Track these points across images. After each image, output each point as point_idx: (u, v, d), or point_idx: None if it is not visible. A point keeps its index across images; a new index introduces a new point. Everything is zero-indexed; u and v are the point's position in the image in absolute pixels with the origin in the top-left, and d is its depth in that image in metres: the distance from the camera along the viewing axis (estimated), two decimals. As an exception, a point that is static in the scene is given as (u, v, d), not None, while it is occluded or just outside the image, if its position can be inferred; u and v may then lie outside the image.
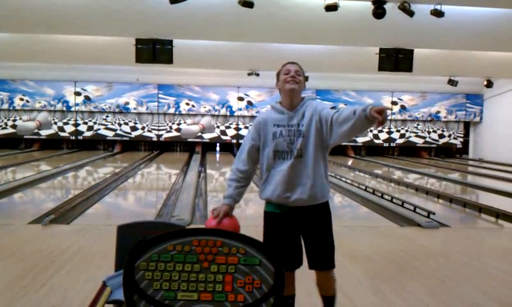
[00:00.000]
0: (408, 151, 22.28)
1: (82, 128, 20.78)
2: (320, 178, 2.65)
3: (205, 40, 12.62)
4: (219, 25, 10.83)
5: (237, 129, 21.24)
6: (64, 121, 20.73)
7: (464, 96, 21.65)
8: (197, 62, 15.49)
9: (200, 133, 21.15)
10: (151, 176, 13.75)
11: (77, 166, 14.13)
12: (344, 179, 11.89)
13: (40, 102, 20.38)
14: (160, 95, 20.73)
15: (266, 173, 2.74)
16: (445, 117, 21.96)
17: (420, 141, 22.16)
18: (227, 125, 21.27)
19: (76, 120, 20.74)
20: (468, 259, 5.02)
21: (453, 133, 22.26)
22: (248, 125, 21.18)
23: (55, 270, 4.14)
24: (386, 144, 22.01)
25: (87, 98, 20.52)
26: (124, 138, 21.06)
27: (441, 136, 22.21)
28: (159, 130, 21.05)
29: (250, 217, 8.11)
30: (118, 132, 20.91)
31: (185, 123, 21.12)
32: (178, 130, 21.11)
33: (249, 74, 16.57)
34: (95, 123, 20.79)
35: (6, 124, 20.50)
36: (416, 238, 5.91)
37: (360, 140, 21.61)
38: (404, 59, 11.96)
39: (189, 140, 21.25)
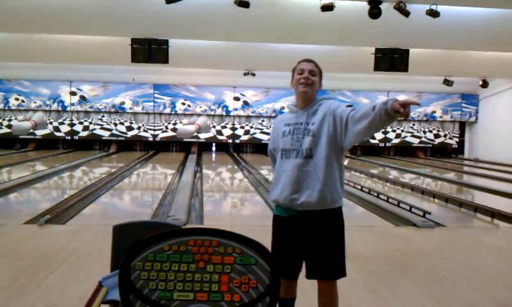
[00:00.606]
0: (404, 151, 22.34)
1: (78, 128, 20.71)
2: (333, 182, 2.53)
3: (201, 40, 12.63)
4: (215, 25, 10.83)
5: (233, 129, 21.23)
6: (60, 121, 20.66)
7: (459, 96, 21.72)
8: (193, 62, 15.50)
9: (195, 133, 21.12)
10: (147, 176, 13.73)
11: (73, 166, 14.08)
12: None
13: (35, 102, 20.30)
14: (156, 95, 20.69)
15: (275, 174, 2.67)
16: (440, 117, 22.03)
17: (415, 141, 22.22)
18: (223, 124, 21.26)
19: (72, 120, 20.67)
20: (464, 258, 5.04)
21: (449, 133, 22.33)
22: (243, 125, 21.20)
23: (50, 271, 4.13)
24: (381, 144, 22.05)
25: (82, 98, 20.46)
26: (120, 138, 21.01)
27: (436, 136, 22.27)
28: (154, 130, 21.02)
29: (246, 216, 8.14)
30: (114, 131, 20.85)
31: (181, 122, 21.09)
32: (174, 130, 21.08)
33: (245, 74, 16.59)
34: (90, 123, 20.73)
35: (1, 124, 20.40)
36: (412, 237, 5.92)
37: (356, 140, 21.60)
38: (400, 59, 11.99)
39: (185, 140, 21.22)
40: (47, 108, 20.40)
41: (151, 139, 21.09)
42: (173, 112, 20.87)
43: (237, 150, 21.68)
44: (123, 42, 11.57)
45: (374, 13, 9.30)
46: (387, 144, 22.17)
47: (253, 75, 16.56)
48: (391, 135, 21.99)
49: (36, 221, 6.08)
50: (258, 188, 10.36)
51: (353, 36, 11.39)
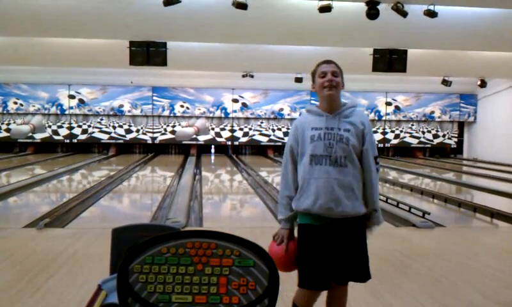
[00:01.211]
0: (403, 151, 22.35)
1: (77, 131, 20.69)
2: (360, 189, 2.53)
3: (199, 42, 12.62)
4: (213, 27, 10.83)
5: (232, 131, 21.23)
6: (59, 124, 20.65)
7: (458, 96, 21.73)
8: (191, 65, 15.49)
9: (194, 136, 21.12)
10: (146, 178, 13.72)
11: (72, 169, 14.07)
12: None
13: (33, 106, 20.28)
14: (154, 97, 20.69)
15: (302, 181, 2.52)
16: (439, 117, 22.04)
17: (414, 141, 22.23)
18: (222, 126, 21.25)
19: (70, 123, 20.66)
20: (464, 258, 5.04)
21: (447, 133, 22.34)
22: (242, 127, 21.19)
23: (50, 274, 4.13)
24: (380, 145, 22.03)
25: (81, 101, 20.44)
26: (119, 141, 20.99)
27: (435, 136, 22.28)
28: (153, 132, 21.01)
29: (246, 218, 8.13)
30: (113, 134, 20.84)
31: (179, 125, 21.09)
32: (173, 132, 21.07)
33: (243, 76, 16.59)
34: (89, 126, 20.72)
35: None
36: (412, 238, 5.93)
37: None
38: (398, 59, 12.00)
39: (183, 142, 21.21)
40: (46, 111, 20.37)
41: (150, 141, 21.08)
42: (171, 115, 20.87)
43: (236, 152, 21.68)
44: (122, 45, 11.56)
45: (372, 13, 9.30)
46: (386, 145, 22.17)
47: (252, 76, 16.57)
48: (390, 135, 22.00)
49: (36, 225, 6.08)
50: (258, 190, 10.35)
51: (351, 37, 11.39)
